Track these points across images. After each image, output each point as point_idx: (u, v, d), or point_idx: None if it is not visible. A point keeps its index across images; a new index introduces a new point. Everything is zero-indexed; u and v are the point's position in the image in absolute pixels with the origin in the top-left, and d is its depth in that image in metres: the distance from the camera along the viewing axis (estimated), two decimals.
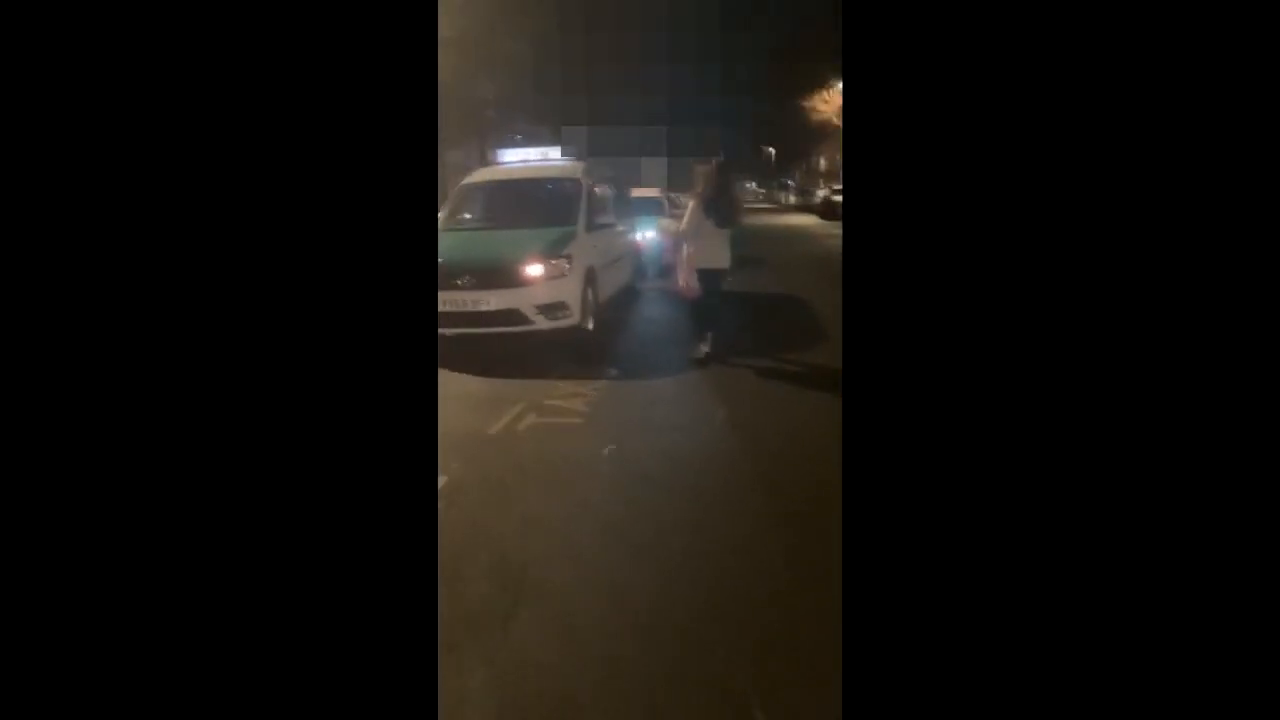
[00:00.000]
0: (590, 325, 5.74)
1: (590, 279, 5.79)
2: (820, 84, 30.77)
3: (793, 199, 39.13)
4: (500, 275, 5.15)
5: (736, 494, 2.84)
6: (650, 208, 9.59)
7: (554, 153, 7.46)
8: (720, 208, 4.65)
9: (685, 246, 4.78)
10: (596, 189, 6.77)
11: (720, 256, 4.78)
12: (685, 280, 4.78)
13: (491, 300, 5.11)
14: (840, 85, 29.37)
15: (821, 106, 31.22)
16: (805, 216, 25.42)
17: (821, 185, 30.63)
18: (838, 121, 30.37)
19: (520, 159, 7.56)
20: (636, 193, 9.60)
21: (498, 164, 7.63)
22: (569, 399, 4.21)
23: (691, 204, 4.84)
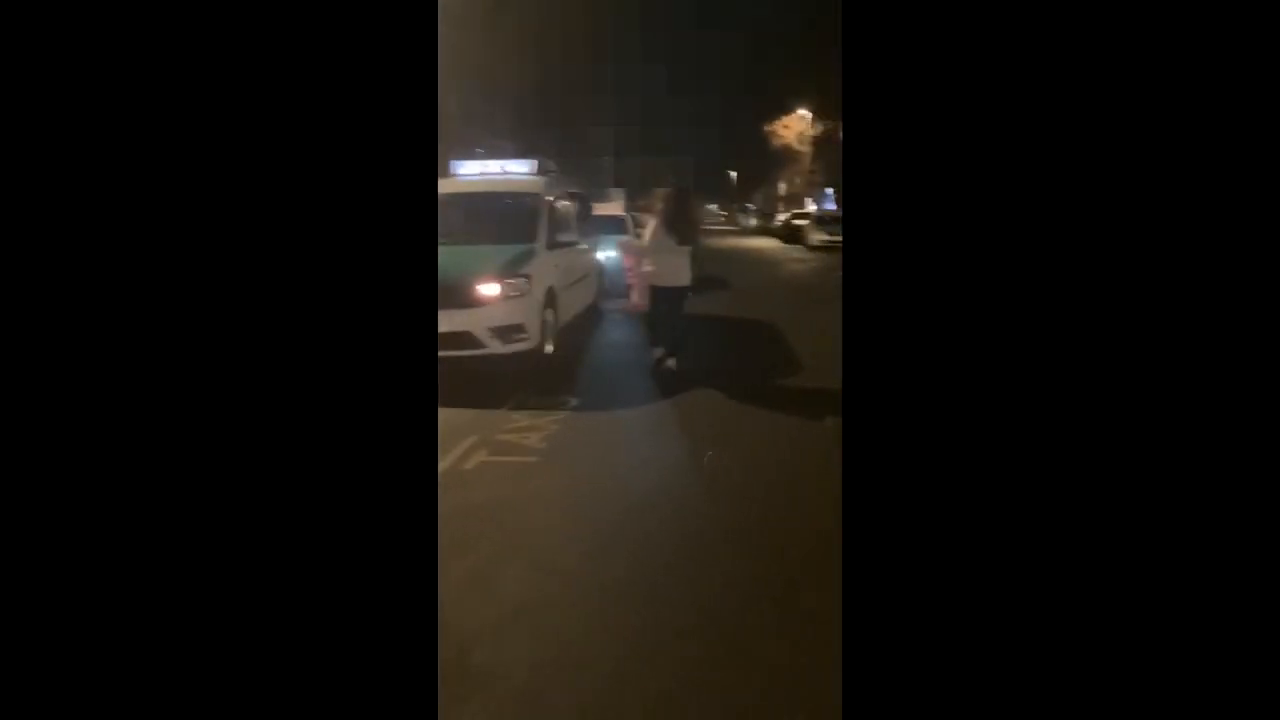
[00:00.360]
0: (550, 349, 5.38)
1: (550, 300, 5.45)
2: (782, 110, 31.40)
3: (753, 222, 39.64)
4: (451, 295, 4.73)
5: (711, 543, 2.50)
6: (613, 226, 9.34)
7: (514, 166, 7.04)
8: (680, 226, 4.76)
9: (645, 264, 4.82)
10: (559, 204, 6.43)
11: (681, 274, 4.81)
12: (639, 297, 4.88)
13: (441, 321, 4.69)
14: (800, 112, 30.10)
15: (782, 131, 31.81)
16: (766, 240, 25.63)
17: (782, 209, 31.11)
18: (798, 146, 31.06)
19: (479, 172, 7.12)
20: (599, 210, 9.34)
21: (454, 176, 7.16)
22: (524, 433, 3.81)
23: (653, 222, 4.89)
